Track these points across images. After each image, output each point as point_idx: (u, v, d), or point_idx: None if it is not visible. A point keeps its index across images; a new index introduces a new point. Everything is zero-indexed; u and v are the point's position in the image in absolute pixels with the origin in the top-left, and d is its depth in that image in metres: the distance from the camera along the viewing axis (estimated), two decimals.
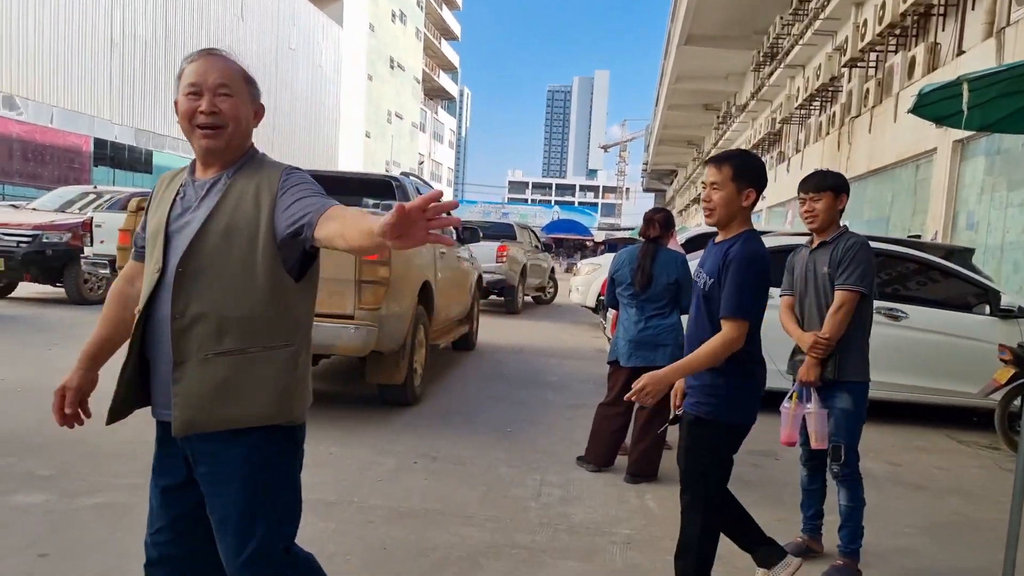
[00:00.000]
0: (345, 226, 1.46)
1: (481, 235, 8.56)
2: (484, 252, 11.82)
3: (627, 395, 2.45)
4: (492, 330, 10.78)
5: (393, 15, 59.80)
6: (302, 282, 1.73)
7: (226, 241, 1.64)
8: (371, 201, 6.72)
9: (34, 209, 11.41)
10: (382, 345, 5.11)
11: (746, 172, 2.42)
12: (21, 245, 9.80)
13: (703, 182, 2.65)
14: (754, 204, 2.46)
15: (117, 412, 1.75)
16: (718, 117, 33.22)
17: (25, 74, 27.36)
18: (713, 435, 2.47)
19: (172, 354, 1.64)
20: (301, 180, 1.69)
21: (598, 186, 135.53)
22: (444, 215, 1.25)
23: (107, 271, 9.57)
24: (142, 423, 4.62)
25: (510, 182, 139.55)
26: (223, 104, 1.67)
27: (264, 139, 41.81)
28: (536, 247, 16.42)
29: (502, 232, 14.69)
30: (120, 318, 1.84)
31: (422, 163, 68.48)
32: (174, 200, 1.73)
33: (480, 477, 4.13)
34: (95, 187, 12.75)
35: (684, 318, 3.42)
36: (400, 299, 5.32)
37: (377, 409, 5.59)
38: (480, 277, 9.38)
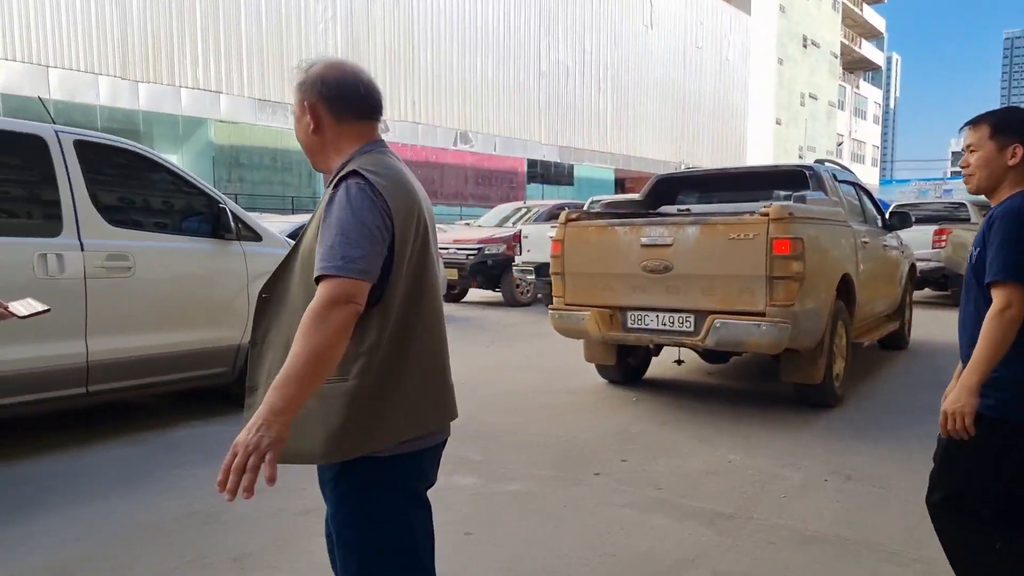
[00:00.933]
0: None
1: (913, 220, 7.41)
2: (918, 238, 10.25)
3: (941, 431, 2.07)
4: (933, 327, 9.26)
5: None
6: (377, 307, 1.52)
7: (302, 264, 1.58)
8: (782, 193, 6.28)
9: (479, 226, 13.41)
10: (797, 343, 4.78)
11: (1008, 126, 2.06)
12: (469, 257, 11.58)
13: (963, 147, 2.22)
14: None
15: None
16: None
17: (475, 112, 32.46)
18: (996, 435, 2.00)
19: (247, 379, 1.67)
20: (330, 215, 1.47)
21: None
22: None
23: (532, 277, 10.72)
24: (551, 422, 4.89)
25: (953, 153, 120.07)
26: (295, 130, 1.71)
27: (671, 143, 42.88)
28: None
29: (946, 213, 12.62)
30: None
31: (840, 144, 62.94)
32: None
33: (908, 506, 3.49)
34: (525, 202, 14.41)
35: None
36: (816, 294, 4.90)
37: (785, 413, 5.17)
38: (913, 267, 8.14)
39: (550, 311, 5.69)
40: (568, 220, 5.56)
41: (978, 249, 2.07)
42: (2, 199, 4.22)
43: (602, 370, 6.24)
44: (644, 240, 5.09)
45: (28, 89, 19.77)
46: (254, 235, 5.32)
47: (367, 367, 1.53)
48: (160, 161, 4.92)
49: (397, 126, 29.22)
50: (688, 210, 6.28)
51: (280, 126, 25.59)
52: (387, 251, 1.49)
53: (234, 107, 24.46)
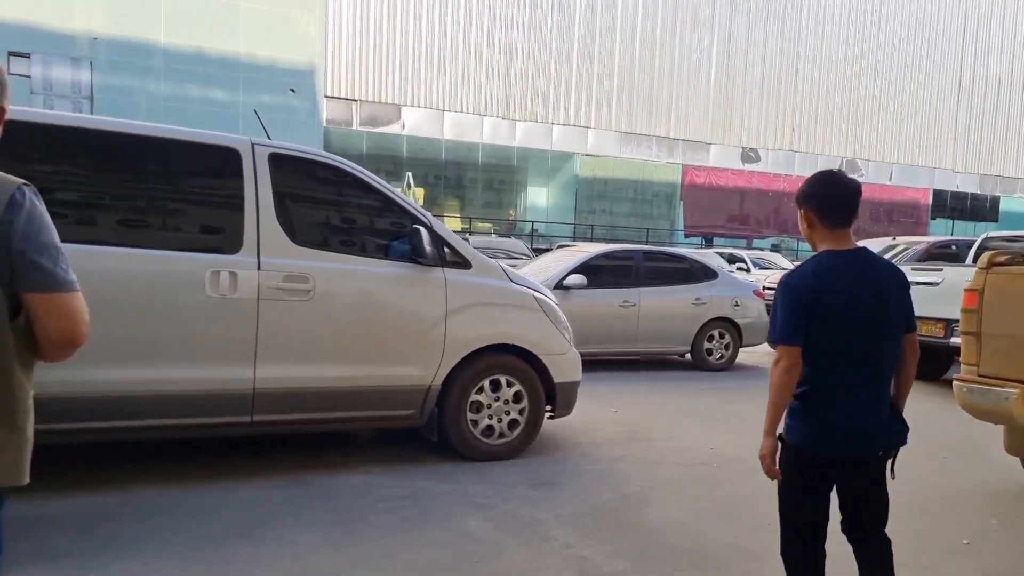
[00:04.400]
0: None
1: None
2: None
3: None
4: None
5: None
6: None
7: None
8: None
9: None
10: None
11: (799, 196, 2.40)
12: None
13: None
14: (815, 224, 2.34)
15: None
16: None
17: (866, 137, 28.50)
18: (782, 451, 2.37)
19: None
20: None
21: None
22: None
23: None
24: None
25: None
26: None
27: None
28: None
29: None
30: None
31: None
32: None
33: None
34: (895, 238, 11.69)
35: None
36: None
37: None
38: None
39: (955, 382, 4.28)
40: (993, 264, 4.22)
41: None
42: (187, 213, 4.15)
43: None
44: None
45: (426, 130, 22.70)
46: (462, 261, 4.62)
47: None
48: (363, 177, 4.50)
49: (771, 155, 27.08)
50: None
51: (643, 158, 25.46)
52: None
53: (600, 141, 25.06)
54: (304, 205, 4.47)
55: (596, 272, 8.29)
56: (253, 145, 4.14)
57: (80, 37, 19.62)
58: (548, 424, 5.02)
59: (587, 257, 8.48)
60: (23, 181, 1.43)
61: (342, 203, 4.61)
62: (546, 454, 4.84)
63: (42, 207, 1.45)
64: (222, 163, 4.08)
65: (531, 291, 4.91)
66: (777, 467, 2.31)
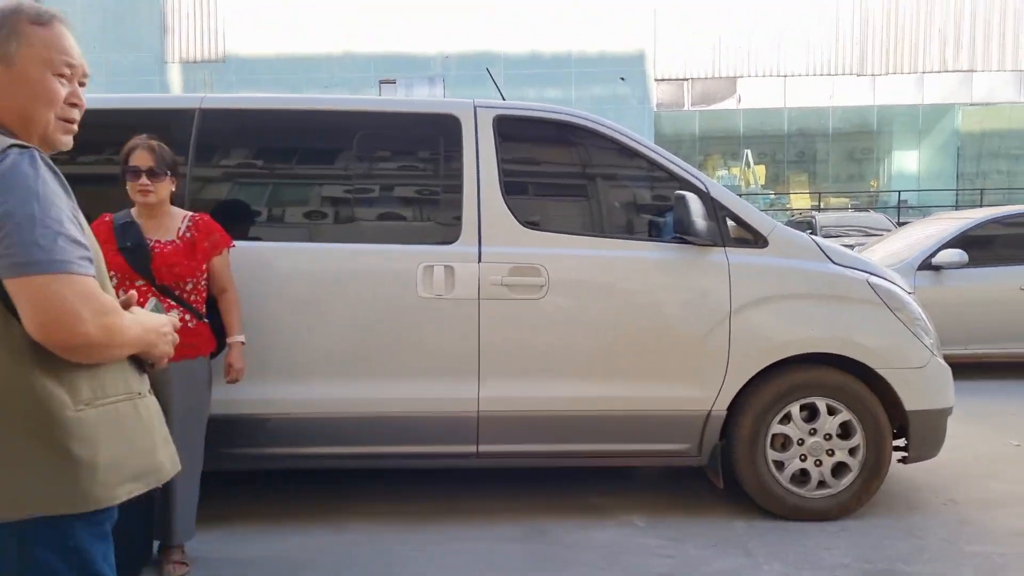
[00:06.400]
0: None
1: None
2: None
3: None
4: None
5: None
6: None
7: None
8: None
9: None
10: None
11: None
12: None
13: None
14: None
15: None
16: None
17: None
18: None
19: None
20: None
21: None
22: None
23: None
24: None
25: None
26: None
27: None
28: None
29: None
30: None
31: None
32: None
33: None
34: None
35: None
36: None
37: None
38: None
39: None
40: None
41: None
42: (396, 197, 3.51)
43: None
44: None
45: (766, 101, 20.54)
46: (753, 238, 3.31)
47: None
48: (615, 135, 3.42)
49: None
50: None
51: None
52: None
53: (990, 86, 20.13)
54: (538, 178, 3.60)
55: (982, 244, 6.11)
56: (476, 108, 3.36)
57: (434, 58, 21.53)
58: (899, 468, 3.44)
59: (967, 225, 6.25)
60: (19, 143, 1.17)
61: (588, 171, 3.61)
62: (893, 515, 3.28)
63: (37, 172, 1.15)
64: (438, 134, 3.40)
65: (865, 275, 3.37)
66: None
